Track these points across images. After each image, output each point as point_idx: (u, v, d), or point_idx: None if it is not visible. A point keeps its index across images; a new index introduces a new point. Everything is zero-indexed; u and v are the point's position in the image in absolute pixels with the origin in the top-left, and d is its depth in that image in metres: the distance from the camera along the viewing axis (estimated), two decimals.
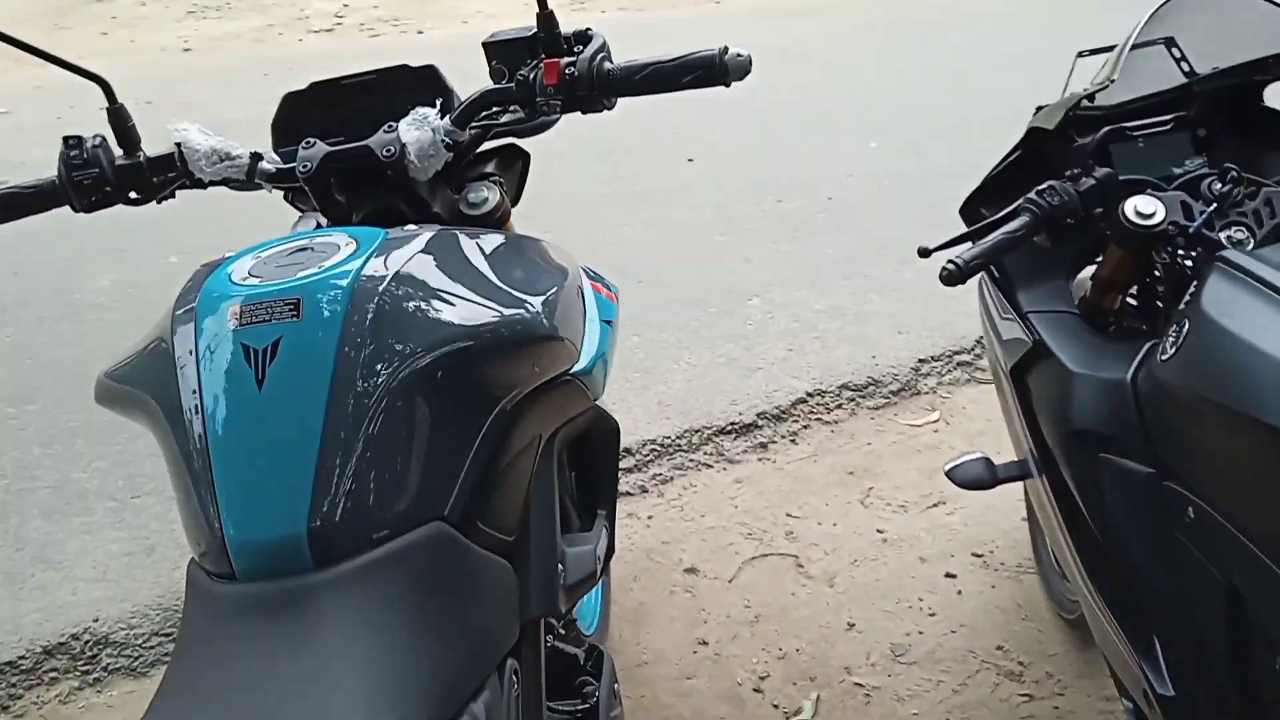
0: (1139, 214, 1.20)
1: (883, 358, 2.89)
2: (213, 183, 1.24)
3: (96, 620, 2.06)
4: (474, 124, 1.21)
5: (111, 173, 1.22)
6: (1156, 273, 1.28)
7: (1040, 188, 1.23)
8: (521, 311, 0.98)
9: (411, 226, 1.08)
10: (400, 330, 0.90)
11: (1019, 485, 1.67)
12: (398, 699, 0.78)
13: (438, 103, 1.20)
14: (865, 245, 3.60)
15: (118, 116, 1.24)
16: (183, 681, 0.82)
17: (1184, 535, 1.09)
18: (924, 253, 1.28)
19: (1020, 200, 1.24)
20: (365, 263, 0.94)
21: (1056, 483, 1.31)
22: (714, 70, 1.11)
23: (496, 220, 1.28)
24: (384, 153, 1.16)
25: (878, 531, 2.23)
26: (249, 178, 1.22)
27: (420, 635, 0.84)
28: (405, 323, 0.91)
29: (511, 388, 0.99)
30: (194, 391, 0.88)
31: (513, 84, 1.17)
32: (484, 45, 1.23)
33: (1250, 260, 1.03)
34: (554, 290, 1.06)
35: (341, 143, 1.19)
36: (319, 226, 1.23)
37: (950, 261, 1.18)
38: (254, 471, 0.85)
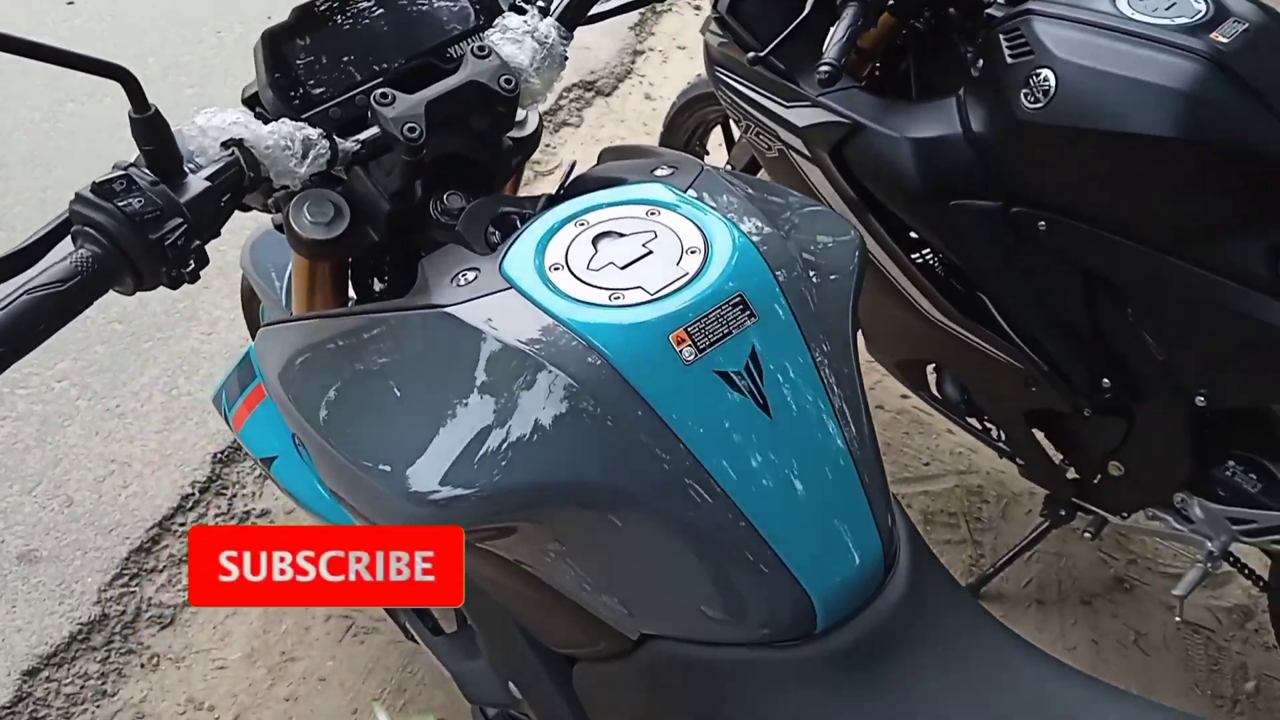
0: None
1: None
2: (282, 188, 0.87)
3: None
4: (591, 14, 0.99)
5: (191, 216, 0.75)
6: (897, 41, 1.50)
7: None
8: (851, 234, 0.92)
9: (660, 177, 0.89)
10: (830, 304, 0.83)
11: None
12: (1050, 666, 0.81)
13: (528, 4, 0.97)
14: None
15: (151, 129, 0.77)
16: None
17: (1037, 243, 1.35)
18: (754, 60, 1.37)
19: None
20: (745, 230, 0.82)
21: (904, 240, 1.48)
22: None
23: (536, 141, 1.04)
24: (502, 84, 0.88)
25: None
26: (330, 165, 0.86)
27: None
28: (828, 295, 0.84)
29: None
30: (676, 449, 0.74)
31: None
32: None
33: (1057, 7, 1.26)
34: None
35: (396, 85, 0.87)
36: (336, 203, 0.91)
37: (825, 64, 1.25)
38: (809, 512, 0.77)
